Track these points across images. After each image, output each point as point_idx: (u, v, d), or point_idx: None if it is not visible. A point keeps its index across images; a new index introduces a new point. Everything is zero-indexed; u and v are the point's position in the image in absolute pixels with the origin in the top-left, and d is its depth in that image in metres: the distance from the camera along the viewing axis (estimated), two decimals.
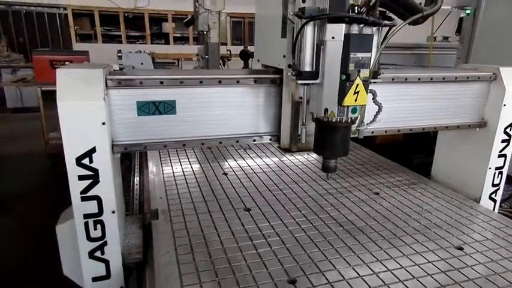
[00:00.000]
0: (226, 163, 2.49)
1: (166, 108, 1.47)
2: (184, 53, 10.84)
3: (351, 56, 1.22)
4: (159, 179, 2.20)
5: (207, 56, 5.11)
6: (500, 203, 3.58)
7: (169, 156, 2.58)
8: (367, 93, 1.30)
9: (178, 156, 2.60)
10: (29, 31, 10.66)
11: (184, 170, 2.35)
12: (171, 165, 2.42)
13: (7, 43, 8.87)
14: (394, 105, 1.84)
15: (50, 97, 5.82)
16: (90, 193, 1.38)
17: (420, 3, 1.34)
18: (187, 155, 2.62)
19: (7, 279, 2.87)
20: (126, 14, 11.09)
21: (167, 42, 11.86)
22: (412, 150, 4.49)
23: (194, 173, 2.30)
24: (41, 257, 3.10)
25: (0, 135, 6.43)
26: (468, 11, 4.28)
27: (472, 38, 4.10)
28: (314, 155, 2.62)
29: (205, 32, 4.98)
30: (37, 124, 6.69)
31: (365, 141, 3.18)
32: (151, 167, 2.40)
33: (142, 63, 4.92)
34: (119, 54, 5.07)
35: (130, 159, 3.03)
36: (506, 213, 2.64)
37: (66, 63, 4.94)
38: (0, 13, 10.27)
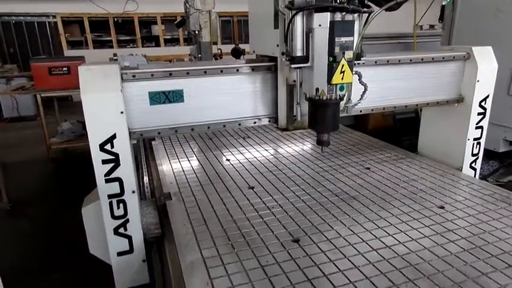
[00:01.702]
0: (228, 151, 2.66)
1: (175, 97, 1.65)
2: (175, 54, 10.98)
3: (336, 40, 1.41)
4: (167, 168, 2.37)
5: (200, 55, 5.26)
6: (486, 177, 3.82)
7: (173, 148, 2.75)
8: (352, 72, 1.49)
9: (182, 147, 2.77)
10: (20, 41, 10.75)
11: (189, 159, 2.52)
12: (177, 156, 2.59)
13: None
14: (378, 86, 2.03)
15: (48, 104, 5.98)
16: (112, 175, 1.55)
17: None
18: (190, 147, 2.79)
19: (22, 273, 3.03)
20: (115, 19, 11.20)
21: (157, 45, 12.01)
22: (402, 133, 4.72)
23: (199, 161, 2.48)
24: (52, 254, 3.26)
25: (2, 144, 6.54)
26: None
27: (453, 23, 4.32)
28: (309, 142, 2.82)
29: (197, 32, 5.13)
30: (35, 132, 6.84)
31: (358, 127, 3.38)
32: (159, 159, 2.57)
33: (138, 65, 5.06)
34: (115, 58, 5.21)
35: (136, 155, 3.19)
36: None
37: (64, 69, 5.10)
38: None
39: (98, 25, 11.23)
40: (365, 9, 1.43)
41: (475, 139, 2.27)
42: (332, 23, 1.41)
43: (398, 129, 4.91)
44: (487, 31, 3.88)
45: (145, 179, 2.62)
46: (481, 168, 2.42)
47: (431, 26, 7.54)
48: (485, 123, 2.26)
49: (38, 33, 10.85)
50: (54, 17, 10.72)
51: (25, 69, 9.28)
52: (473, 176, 2.32)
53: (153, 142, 2.90)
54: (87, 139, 1.50)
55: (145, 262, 1.74)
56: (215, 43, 5.91)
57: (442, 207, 1.74)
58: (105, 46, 11.40)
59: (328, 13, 1.40)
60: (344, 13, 1.40)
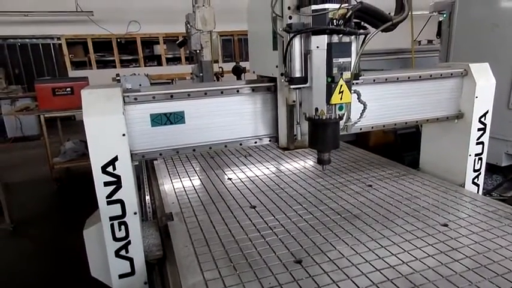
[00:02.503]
0: (229, 170, 2.67)
1: (176, 118, 1.67)
2: (177, 73, 11.13)
3: (334, 61, 1.43)
4: (169, 188, 2.38)
5: (201, 74, 5.34)
6: (490, 192, 3.79)
7: (175, 168, 2.76)
8: (350, 92, 1.50)
9: (184, 167, 2.78)
10: (25, 62, 10.93)
11: (191, 178, 2.53)
12: (179, 176, 2.59)
13: (4, 75, 9.10)
14: (378, 104, 2.05)
15: (51, 124, 6.03)
16: (114, 197, 1.56)
17: (389, 13, 1.57)
18: (192, 166, 2.80)
19: None
20: (118, 40, 11.40)
21: (160, 64, 12.18)
22: (404, 149, 4.71)
23: (201, 180, 2.48)
24: (54, 275, 3.24)
25: (6, 164, 6.57)
26: (444, 15, 4.58)
27: (450, 39, 4.37)
28: (310, 160, 2.82)
29: (198, 51, 5.22)
30: (38, 151, 6.88)
31: (360, 144, 3.38)
32: (160, 179, 2.57)
33: (140, 85, 5.13)
34: (118, 78, 5.29)
35: (138, 175, 3.20)
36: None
37: (67, 89, 5.17)
38: None
39: (101, 46, 11.43)
40: (361, 31, 1.46)
41: (476, 155, 2.27)
42: (329, 45, 1.43)
43: (400, 144, 4.91)
44: (484, 46, 3.93)
45: (147, 198, 2.62)
46: (484, 182, 2.40)
47: (430, 41, 7.64)
48: (485, 138, 2.27)
49: (43, 55, 11.05)
50: (58, 38, 10.93)
51: (30, 90, 9.41)
52: (476, 191, 2.30)
53: (155, 162, 2.91)
54: (89, 158, 1.52)
55: (146, 284, 1.72)
56: (216, 61, 5.99)
57: (446, 225, 1.73)
58: (108, 66, 11.58)
59: (326, 35, 1.43)
60: (341, 35, 1.43)
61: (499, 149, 3.74)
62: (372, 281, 1.33)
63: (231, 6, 8.36)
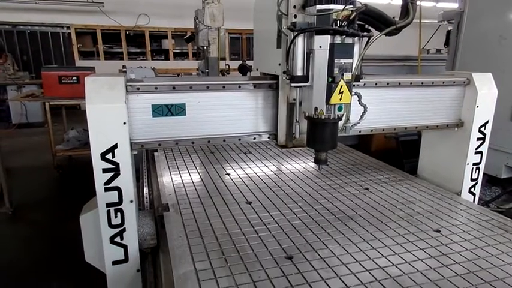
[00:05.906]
0: (228, 165, 2.69)
1: (177, 110, 1.69)
2: (183, 68, 11.18)
3: (335, 61, 1.45)
4: (167, 179, 2.40)
5: (207, 70, 5.37)
6: (488, 203, 3.79)
7: (175, 160, 2.79)
8: (350, 93, 1.52)
9: (184, 160, 2.80)
10: (33, 49, 11.01)
11: (190, 171, 2.55)
12: (178, 168, 2.62)
13: (12, 62, 9.16)
14: (378, 107, 2.06)
15: (56, 112, 6.08)
16: (112, 184, 1.58)
17: (394, 17, 1.58)
18: (192, 159, 2.82)
19: (21, 277, 3.03)
20: (127, 32, 11.46)
21: (167, 58, 12.23)
22: (405, 156, 4.71)
23: (199, 174, 2.50)
24: (50, 259, 3.27)
25: (9, 149, 6.61)
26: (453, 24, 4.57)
27: (457, 48, 4.37)
28: (310, 160, 2.83)
29: (205, 48, 5.25)
30: (42, 138, 6.94)
31: (361, 148, 3.39)
32: (160, 170, 2.60)
33: (145, 77, 5.16)
34: (124, 70, 5.32)
35: (138, 166, 3.23)
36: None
37: (73, 78, 5.21)
38: (5, 33, 10.62)
39: (109, 37, 11.50)
40: (364, 34, 1.48)
41: (474, 164, 2.28)
42: (332, 45, 1.45)
43: (401, 151, 4.91)
44: (490, 57, 3.92)
45: (146, 189, 2.64)
46: (483, 194, 2.41)
47: (438, 50, 7.63)
48: (484, 148, 2.27)
49: (51, 43, 11.12)
50: (68, 27, 11.00)
51: (37, 77, 9.48)
52: (472, 201, 2.31)
53: (155, 153, 2.93)
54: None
55: (139, 272, 1.74)
56: (223, 59, 6.00)
57: (438, 231, 1.74)
58: (116, 58, 11.65)
59: (329, 36, 1.45)
60: (343, 36, 1.44)
61: (499, 160, 3.73)
62: (360, 280, 1.34)
63: (240, 4, 8.37)
